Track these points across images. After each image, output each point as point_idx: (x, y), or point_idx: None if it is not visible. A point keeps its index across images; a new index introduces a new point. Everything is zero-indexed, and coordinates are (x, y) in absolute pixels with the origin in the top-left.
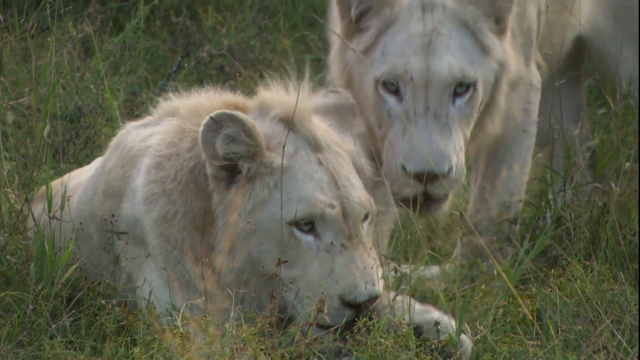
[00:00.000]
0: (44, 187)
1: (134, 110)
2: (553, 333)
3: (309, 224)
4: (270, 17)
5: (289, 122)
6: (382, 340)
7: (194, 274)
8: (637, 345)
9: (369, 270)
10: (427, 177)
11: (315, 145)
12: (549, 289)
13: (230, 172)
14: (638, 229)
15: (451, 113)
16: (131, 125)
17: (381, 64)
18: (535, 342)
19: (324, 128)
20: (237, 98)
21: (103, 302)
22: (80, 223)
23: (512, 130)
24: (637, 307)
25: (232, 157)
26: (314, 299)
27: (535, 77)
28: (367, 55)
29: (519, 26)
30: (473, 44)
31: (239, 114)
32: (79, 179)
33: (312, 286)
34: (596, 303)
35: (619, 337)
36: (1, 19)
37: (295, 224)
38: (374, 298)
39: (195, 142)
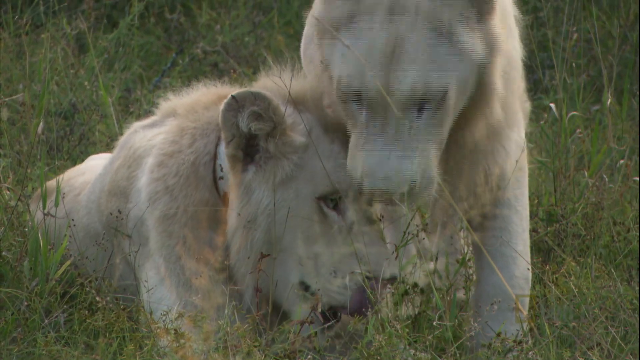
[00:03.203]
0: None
1: (129, 107)
2: (547, 330)
3: (334, 201)
4: (265, 13)
5: (300, 104)
6: (377, 337)
7: (191, 272)
8: (632, 341)
9: (389, 251)
10: (383, 198)
11: (325, 126)
12: (544, 286)
13: (248, 153)
14: (638, 225)
15: (416, 128)
16: (138, 124)
17: (339, 72)
18: (530, 339)
19: (328, 113)
20: (232, 90)
21: (98, 299)
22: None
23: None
24: (631, 303)
25: (256, 135)
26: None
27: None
28: (330, 48)
29: None
30: (446, 49)
31: (264, 92)
32: (85, 177)
33: (336, 262)
34: (591, 300)
35: (613, 333)
36: None
37: (323, 199)
38: (393, 279)
39: (194, 138)
